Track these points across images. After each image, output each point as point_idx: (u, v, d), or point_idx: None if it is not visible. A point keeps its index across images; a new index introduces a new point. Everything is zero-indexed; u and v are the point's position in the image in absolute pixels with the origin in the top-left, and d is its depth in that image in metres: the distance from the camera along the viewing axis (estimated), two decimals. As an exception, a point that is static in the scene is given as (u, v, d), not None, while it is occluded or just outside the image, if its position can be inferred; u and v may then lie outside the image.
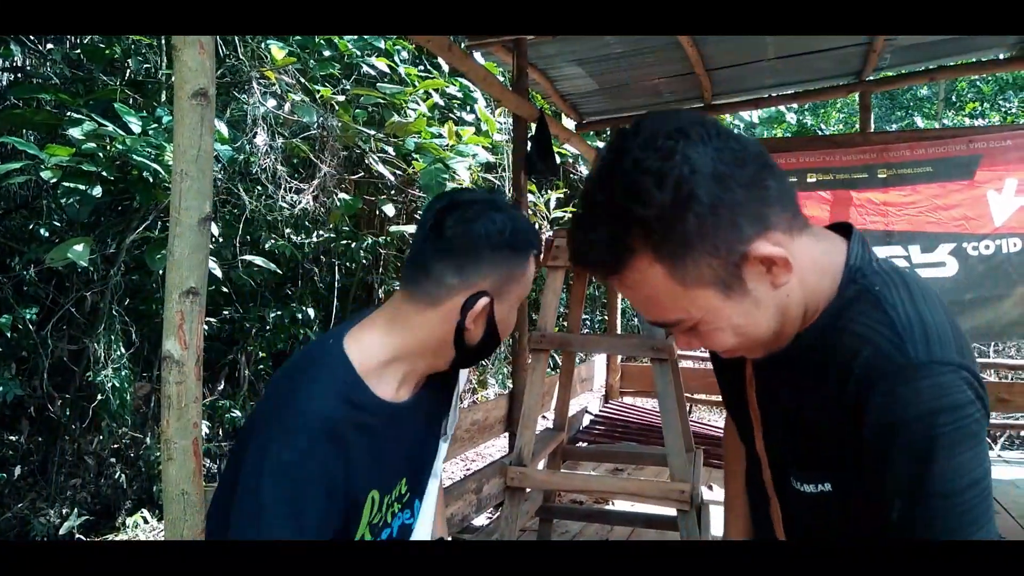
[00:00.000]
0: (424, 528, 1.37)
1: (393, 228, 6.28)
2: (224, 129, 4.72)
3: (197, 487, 1.77)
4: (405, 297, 1.19)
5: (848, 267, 0.86)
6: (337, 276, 6.76)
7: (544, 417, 3.67)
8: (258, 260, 5.01)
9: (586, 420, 5.06)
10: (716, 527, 2.91)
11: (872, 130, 5.40)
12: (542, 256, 2.62)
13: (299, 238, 6.09)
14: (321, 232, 6.33)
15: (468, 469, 5.78)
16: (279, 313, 6.21)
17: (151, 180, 4.25)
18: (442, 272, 1.16)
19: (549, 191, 7.81)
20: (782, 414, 0.93)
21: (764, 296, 0.82)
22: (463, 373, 1.46)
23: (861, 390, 0.78)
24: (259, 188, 5.41)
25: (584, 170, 8.39)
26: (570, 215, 7.07)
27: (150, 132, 4.29)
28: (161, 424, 1.65)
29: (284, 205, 5.76)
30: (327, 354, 1.16)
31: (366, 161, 6.04)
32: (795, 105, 11.47)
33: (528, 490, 2.68)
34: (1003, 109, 11.51)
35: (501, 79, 4.41)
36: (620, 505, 3.88)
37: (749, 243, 0.79)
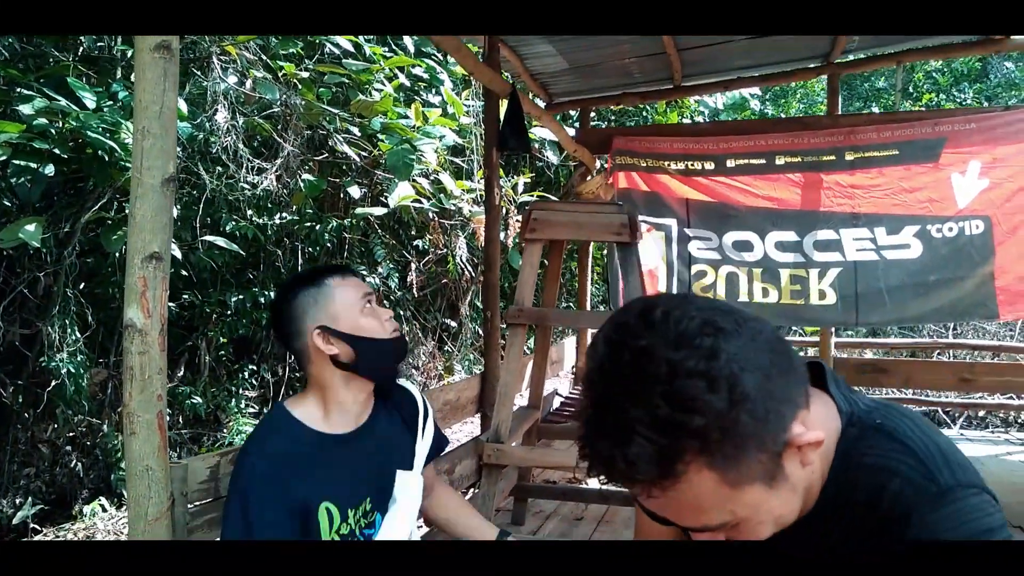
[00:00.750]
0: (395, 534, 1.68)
1: (359, 210, 6.16)
2: (183, 106, 4.56)
3: (162, 462, 1.67)
4: (307, 380, 1.63)
5: (843, 413, 0.85)
6: (300, 260, 6.62)
7: (520, 395, 3.61)
8: (220, 241, 4.87)
9: (556, 402, 5.03)
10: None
11: (840, 113, 5.43)
12: (522, 233, 2.60)
13: (262, 220, 5.94)
14: (284, 214, 6.18)
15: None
16: (241, 297, 6.06)
17: (106, 158, 4.08)
18: (291, 344, 1.61)
19: (516, 176, 7.74)
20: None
21: (798, 478, 0.79)
22: (415, 393, 1.81)
23: (892, 522, 0.77)
24: (220, 168, 5.26)
25: (551, 156, 8.31)
26: (538, 199, 7.02)
27: (105, 109, 4.12)
28: (124, 397, 1.56)
29: (245, 186, 5.60)
30: (275, 416, 1.59)
31: (330, 142, 5.91)
32: (759, 92, 11.56)
33: (505, 468, 2.63)
34: (958, 100, 11.74)
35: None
36: (593, 483, 3.86)
37: (789, 430, 0.75)
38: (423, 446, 1.78)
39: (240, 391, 6.53)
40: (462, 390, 3.75)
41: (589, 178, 2.76)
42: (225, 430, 6.11)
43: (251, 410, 6.47)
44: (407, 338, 5.15)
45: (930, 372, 5.82)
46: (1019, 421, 6.65)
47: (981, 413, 6.75)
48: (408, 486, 1.70)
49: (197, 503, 1.89)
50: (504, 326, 2.95)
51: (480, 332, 9.89)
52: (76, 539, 4.46)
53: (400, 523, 1.68)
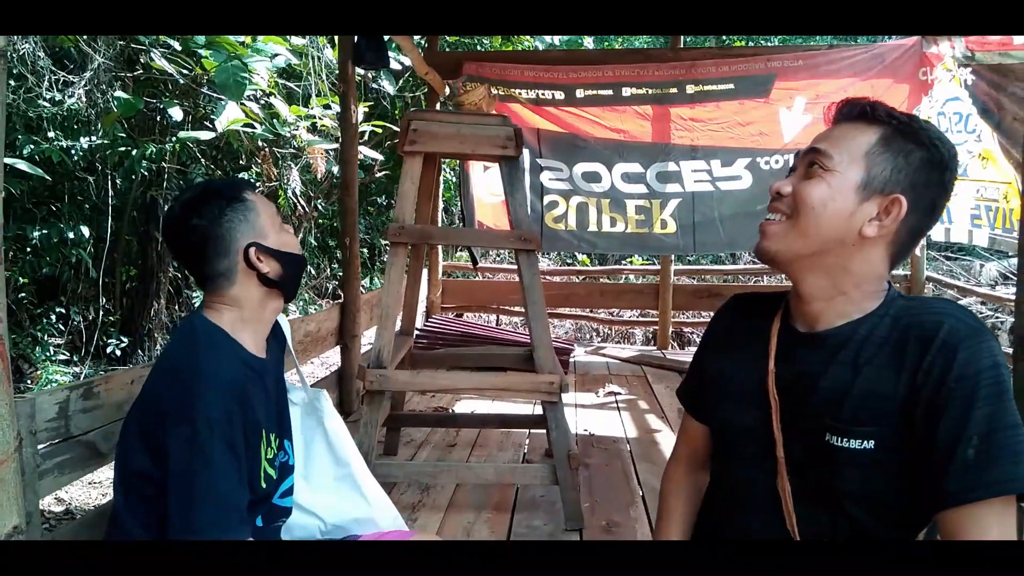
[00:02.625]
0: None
1: (182, 134, 5.56)
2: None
3: (5, 396, 1.40)
4: (214, 299, 1.47)
5: (891, 289, 1.08)
6: (112, 191, 5.92)
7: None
8: (21, 164, 4.20)
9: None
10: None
11: (682, 46, 5.60)
12: (400, 144, 2.45)
13: (66, 142, 5.21)
14: (93, 138, 5.46)
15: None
16: (45, 232, 5.33)
17: None
18: (214, 267, 1.46)
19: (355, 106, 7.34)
20: (820, 389, 1.03)
21: (860, 220, 1.01)
22: (284, 325, 1.75)
23: (946, 351, 0.94)
24: (15, 80, 4.51)
25: (387, 86, 7.96)
26: (373, 129, 6.72)
27: None
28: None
29: (46, 104, 4.88)
30: (209, 331, 1.43)
31: (146, 57, 5.25)
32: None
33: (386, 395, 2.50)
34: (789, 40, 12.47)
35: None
36: (461, 408, 3.82)
37: (902, 191, 1.01)
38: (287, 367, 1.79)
39: (46, 337, 5.81)
40: (322, 321, 3.54)
41: (470, 87, 2.61)
42: (31, 380, 5.42)
43: (61, 357, 5.79)
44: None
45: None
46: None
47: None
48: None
49: (47, 443, 1.63)
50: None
51: (314, 272, 9.49)
52: None
53: (297, 450, 1.76)
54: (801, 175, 1.05)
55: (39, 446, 1.60)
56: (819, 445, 1.01)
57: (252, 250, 1.45)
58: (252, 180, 6.29)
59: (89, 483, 3.82)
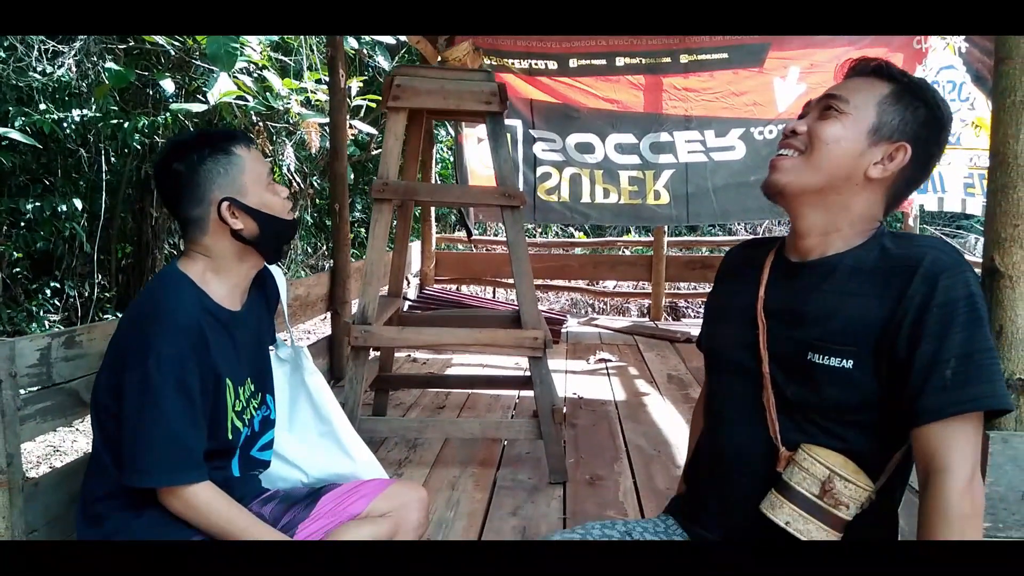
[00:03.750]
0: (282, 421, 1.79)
1: (174, 106, 5.54)
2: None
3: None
4: (190, 246, 1.50)
5: (882, 226, 1.15)
6: (105, 166, 5.91)
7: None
8: (14, 134, 4.19)
9: (404, 306, 4.94)
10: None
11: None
12: (384, 100, 2.43)
13: (58, 114, 5.19)
14: (85, 110, 5.44)
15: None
16: (38, 205, 5.33)
17: None
18: (187, 212, 1.48)
19: (349, 79, 7.31)
20: (807, 312, 1.12)
21: (867, 162, 1.10)
22: (281, 282, 1.80)
23: (928, 280, 1.00)
24: (5, 51, 4.49)
25: (383, 61, 7.92)
26: (368, 104, 6.70)
27: None
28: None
29: (37, 76, 4.86)
30: (175, 277, 1.47)
31: (137, 28, 5.22)
32: None
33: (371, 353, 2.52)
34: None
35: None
36: (452, 371, 3.84)
37: (907, 140, 1.09)
38: (276, 326, 1.83)
39: (42, 313, 5.83)
40: (312, 286, 3.55)
41: (456, 44, 2.60)
42: (27, 355, 5.44)
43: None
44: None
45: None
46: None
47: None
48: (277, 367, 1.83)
49: (28, 389, 1.64)
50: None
51: (311, 250, 9.49)
52: None
53: (280, 405, 1.81)
54: (816, 116, 1.14)
55: (21, 390, 1.61)
56: (802, 363, 1.09)
57: (225, 204, 1.46)
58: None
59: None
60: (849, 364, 1.04)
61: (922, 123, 1.09)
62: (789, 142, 1.16)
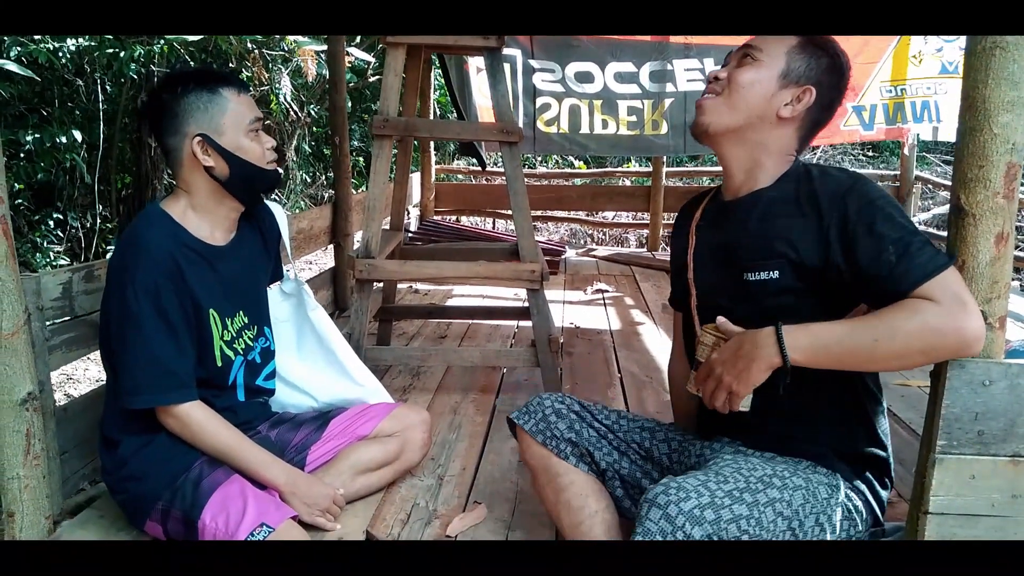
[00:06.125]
0: (287, 358, 1.93)
1: (169, 35, 5.47)
2: None
3: (12, 272, 1.51)
4: (177, 185, 1.62)
5: (798, 161, 1.34)
6: (102, 95, 5.87)
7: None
8: (11, 65, 4.17)
9: (405, 238, 5.02)
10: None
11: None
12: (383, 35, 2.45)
13: (53, 44, 5.14)
14: (80, 40, 5.38)
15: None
16: (37, 136, 5.33)
17: None
18: (164, 140, 1.58)
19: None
20: (739, 240, 1.31)
21: (779, 103, 1.29)
22: (282, 219, 1.89)
23: (841, 196, 1.19)
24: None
25: None
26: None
27: None
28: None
29: None
30: (153, 213, 1.58)
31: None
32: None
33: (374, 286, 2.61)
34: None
35: None
36: (453, 302, 3.95)
37: (812, 84, 1.29)
38: (278, 261, 1.95)
39: (46, 244, 5.89)
40: (315, 219, 3.62)
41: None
42: (35, 285, 5.53)
43: (62, 263, 5.88)
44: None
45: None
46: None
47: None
48: (275, 301, 1.93)
49: (54, 321, 1.74)
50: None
51: (309, 179, 9.47)
52: None
53: (284, 337, 1.94)
54: (734, 65, 1.32)
55: (47, 322, 1.71)
56: (740, 284, 1.30)
57: (197, 139, 1.54)
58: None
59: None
60: (775, 274, 1.24)
61: (824, 69, 1.29)
62: (712, 87, 1.33)
